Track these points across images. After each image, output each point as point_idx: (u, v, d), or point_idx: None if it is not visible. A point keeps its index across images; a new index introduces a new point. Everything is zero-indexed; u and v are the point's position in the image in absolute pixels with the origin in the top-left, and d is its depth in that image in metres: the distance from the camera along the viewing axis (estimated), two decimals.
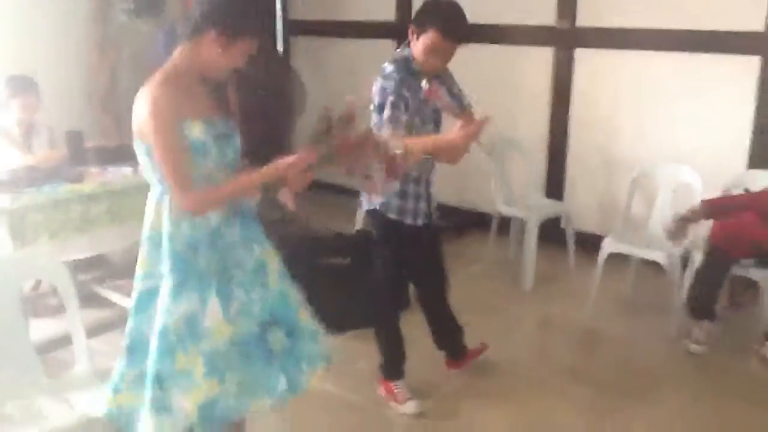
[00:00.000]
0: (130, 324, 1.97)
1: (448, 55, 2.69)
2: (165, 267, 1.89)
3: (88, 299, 3.64)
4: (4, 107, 3.49)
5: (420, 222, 2.89)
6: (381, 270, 2.99)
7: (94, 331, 3.16)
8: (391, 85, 2.62)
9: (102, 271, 3.99)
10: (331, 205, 5.11)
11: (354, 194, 3.25)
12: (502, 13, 4.82)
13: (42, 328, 3.25)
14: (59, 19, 4.29)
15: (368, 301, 3.57)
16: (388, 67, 2.68)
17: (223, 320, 1.92)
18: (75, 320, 2.20)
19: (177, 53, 1.90)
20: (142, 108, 1.81)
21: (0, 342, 2.11)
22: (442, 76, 2.82)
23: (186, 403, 1.87)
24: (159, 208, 1.92)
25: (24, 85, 3.49)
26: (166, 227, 1.89)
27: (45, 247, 2.91)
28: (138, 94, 1.84)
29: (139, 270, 1.96)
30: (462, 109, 2.86)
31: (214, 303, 1.91)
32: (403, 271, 3.06)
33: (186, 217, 1.88)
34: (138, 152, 1.90)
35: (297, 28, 6.05)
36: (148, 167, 1.90)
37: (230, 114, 2.00)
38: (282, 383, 2.00)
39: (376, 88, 2.67)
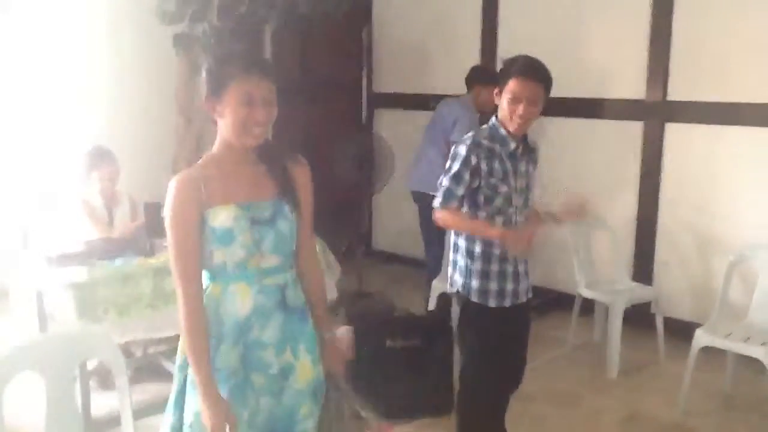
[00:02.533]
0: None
1: (533, 105, 2.46)
2: (178, 360, 1.82)
3: (157, 372, 3.65)
4: (85, 179, 3.60)
5: (507, 303, 2.59)
6: (465, 357, 2.72)
7: (156, 406, 3.14)
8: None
9: (172, 344, 3.99)
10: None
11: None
12: (589, 87, 4.69)
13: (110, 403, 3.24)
14: (145, 86, 4.47)
15: (436, 387, 3.42)
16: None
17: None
18: (125, 403, 2.16)
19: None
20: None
21: (51, 421, 2.09)
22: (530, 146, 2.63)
23: None
24: None
25: (103, 157, 3.60)
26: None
27: (113, 324, 2.89)
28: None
29: (178, 359, 1.88)
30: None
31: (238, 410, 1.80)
32: (497, 358, 2.65)
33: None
34: None
35: (380, 100, 6.11)
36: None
37: (289, 195, 1.87)
38: None
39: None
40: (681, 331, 3.94)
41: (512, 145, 2.52)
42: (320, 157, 5.26)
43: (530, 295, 2.67)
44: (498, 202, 2.51)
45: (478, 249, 2.53)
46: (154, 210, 3.74)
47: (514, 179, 2.53)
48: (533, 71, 2.45)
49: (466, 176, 2.47)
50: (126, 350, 3.78)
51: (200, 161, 1.82)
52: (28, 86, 4.31)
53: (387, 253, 6.05)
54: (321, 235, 3.75)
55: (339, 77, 5.90)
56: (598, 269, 4.32)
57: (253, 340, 1.83)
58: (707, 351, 3.47)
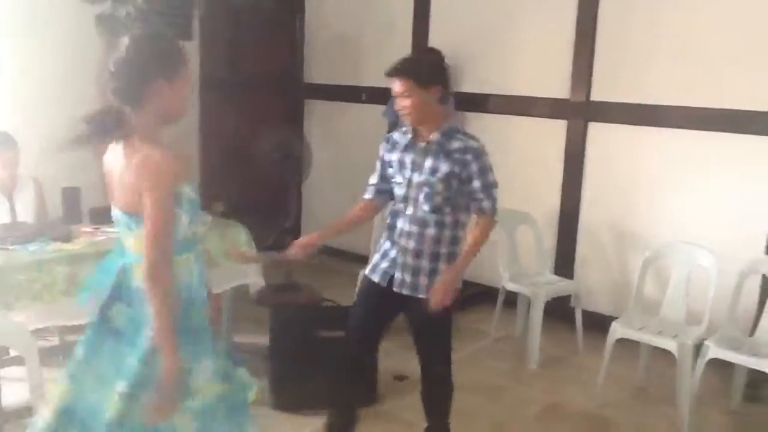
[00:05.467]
0: None
1: (405, 99, 2.61)
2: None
3: None
4: None
5: (377, 279, 2.73)
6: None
7: None
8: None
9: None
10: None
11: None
12: (517, 84, 4.78)
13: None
14: (63, 68, 4.27)
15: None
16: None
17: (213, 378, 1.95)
18: (37, 390, 2.07)
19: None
20: (145, 177, 1.81)
21: None
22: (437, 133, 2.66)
23: None
24: None
25: (0, 141, 3.44)
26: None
27: (27, 310, 2.77)
28: (137, 161, 1.83)
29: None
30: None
31: (206, 361, 1.93)
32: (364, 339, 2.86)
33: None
34: (122, 222, 1.92)
35: (312, 92, 6.07)
36: (139, 237, 1.86)
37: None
38: None
39: None
40: (599, 324, 4.07)
41: (408, 138, 2.68)
42: (249, 149, 5.23)
43: (403, 290, 2.69)
44: (396, 191, 2.71)
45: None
46: (72, 195, 3.61)
47: (411, 172, 2.64)
48: (394, 69, 2.65)
49: (377, 165, 2.78)
50: (41, 338, 3.65)
51: (155, 142, 1.89)
52: None
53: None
54: (249, 228, 3.72)
55: (270, 67, 5.82)
56: (522, 263, 4.42)
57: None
58: (623, 344, 3.60)
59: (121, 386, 1.82)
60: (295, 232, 6.03)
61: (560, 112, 4.62)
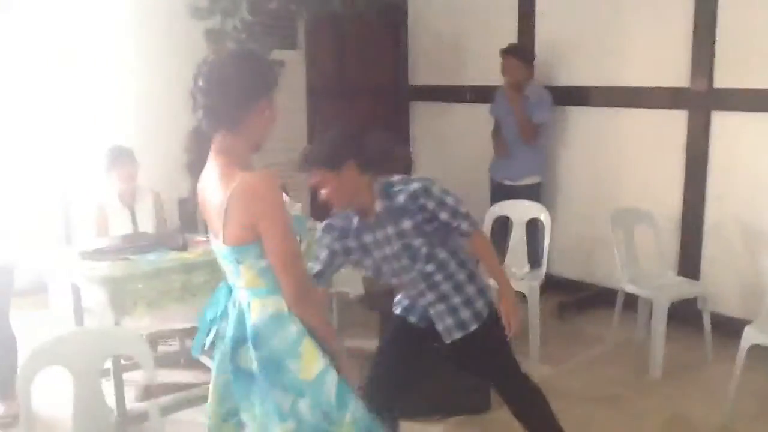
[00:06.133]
0: None
1: (327, 187, 2.35)
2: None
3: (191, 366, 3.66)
4: (105, 179, 3.63)
5: (414, 319, 2.61)
6: None
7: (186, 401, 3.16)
8: None
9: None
10: None
11: None
12: (631, 75, 4.54)
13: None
14: (175, 82, 4.45)
15: (474, 385, 3.33)
16: None
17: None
18: (150, 395, 2.14)
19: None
20: (257, 205, 1.75)
21: (79, 415, 2.09)
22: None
23: None
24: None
25: (121, 156, 3.62)
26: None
27: (144, 316, 2.92)
28: (243, 189, 1.74)
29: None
30: None
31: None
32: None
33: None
34: (229, 257, 1.85)
35: (417, 94, 6.04)
36: (252, 269, 1.83)
37: None
38: None
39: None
40: (730, 329, 3.77)
41: (353, 221, 2.46)
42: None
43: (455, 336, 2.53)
44: (372, 274, 2.56)
45: None
46: (188, 206, 3.76)
47: (379, 250, 2.48)
48: (302, 164, 2.35)
49: (323, 255, 2.49)
50: (163, 342, 3.83)
51: (251, 162, 1.86)
52: (57, 84, 4.35)
53: None
54: None
55: (374, 72, 5.83)
56: (642, 264, 4.18)
57: None
58: (758, 350, 3.31)
59: (288, 427, 1.81)
60: None
61: (679, 101, 4.33)
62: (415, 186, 2.41)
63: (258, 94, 1.80)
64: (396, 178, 2.46)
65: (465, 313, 2.52)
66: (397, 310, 2.66)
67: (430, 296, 2.52)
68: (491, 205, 4.50)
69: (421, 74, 5.98)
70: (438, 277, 2.50)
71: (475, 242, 2.57)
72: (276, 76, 1.86)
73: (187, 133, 1.84)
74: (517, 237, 4.16)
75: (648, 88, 4.46)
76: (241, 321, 1.87)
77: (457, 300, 2.51)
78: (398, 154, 4.73)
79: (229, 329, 1.90)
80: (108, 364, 2.84)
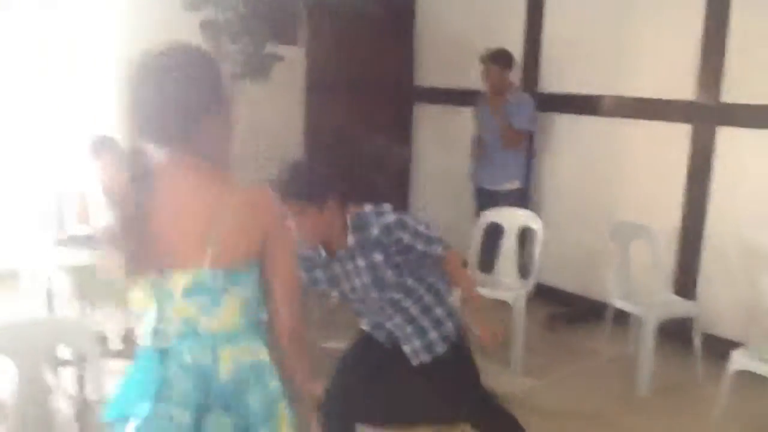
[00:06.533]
0: None
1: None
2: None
3: None
4: (89, 168, 3.59)
5: (382, 338, 2.54)
6: None
7: None
8: None
9: None
10: None
11: None
12: (634, 85, 4.42)
13: None
14: None
15: (445, 393, 3.25)
16: None
17: None
18: (97, 393, 2.10)
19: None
20: (268, 216, 1.55)
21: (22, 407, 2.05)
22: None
23: None
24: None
25: (104, 145, 3.57)
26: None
27: (115, 310, 2.87)
28: (246, 200, 1.52)
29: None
30: None
31: None
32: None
33: None
34: (229, 282, 1.52)
35: (422, 95, 5.95)
36: (237, 301, 1.55)
37: None
38: None
39: None
40: (723, 350, 3.63)
41: (322, 253, 2.38)
42: (353, 156, 5.19)
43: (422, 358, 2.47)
44: (342, 300, 2.52)
45: None
46: None
47: (347, 282, 2.41)
48: (284, 189, 2.16)
49: None
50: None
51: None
52: (47, 74, 4.34)
53: None
54: None
55: (378, 70, 5.73)
56: (638, 280, 4.05)
57: None
58: (749, 375, 3.19)
59: None
60: None
61: (684, 114, 4.20)
62: (389, 219, 2.34)
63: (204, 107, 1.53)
64: (368, 208, 2.38)
65: (433, 335, 2.46)
66: (364, 325, 2.59)
67: (397, 319, 2.46)
68: (476, 210, 4.45)
69: (427, 75, 5.89)
70: (406, 303, 2.45)
71: (449, 262, 2.50)
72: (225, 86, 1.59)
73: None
74: (509, 245, 4.07)
75: (653, 99, 4.34)
76: (202, 383, 1.52)
77: (425, 322, 2.46)
78: (396, 153, 4.72)
79: (182, 400, 1.51)
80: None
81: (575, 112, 4.69)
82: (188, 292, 1.50)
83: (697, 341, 3.81)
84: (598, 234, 4.22)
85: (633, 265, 4.06)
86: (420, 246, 2.38)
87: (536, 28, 4.97)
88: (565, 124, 4.82)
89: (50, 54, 4.31)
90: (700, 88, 4.11)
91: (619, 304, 3.90)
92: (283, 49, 4.39)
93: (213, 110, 1.53)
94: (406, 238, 2.34)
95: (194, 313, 1.52)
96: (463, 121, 5.56)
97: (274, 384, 1.59)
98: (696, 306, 3.97)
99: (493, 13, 5.28)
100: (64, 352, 2.82)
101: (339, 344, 3.73)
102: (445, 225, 5.55)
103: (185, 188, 1.53)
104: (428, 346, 2.45)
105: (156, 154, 1.55)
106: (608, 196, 4.63)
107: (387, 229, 2.31)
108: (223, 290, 1.52)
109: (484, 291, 3.92)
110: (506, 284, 3.94)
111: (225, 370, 1.52)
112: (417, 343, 2.45)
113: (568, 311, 4.62)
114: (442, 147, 5.76)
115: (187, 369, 1.52)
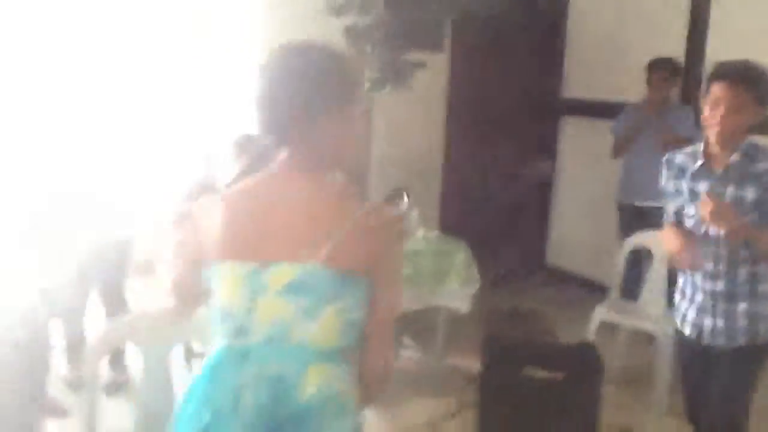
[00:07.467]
0: None
1: (735, 112, 2.14)
2: None
3: None
4: (231, 168, 3.63)
5: (688, 332, 2.34)
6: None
7: None
8: None
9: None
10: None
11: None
12: None
13: None
14: None
15: (581, 426, 3.03)
16: None
17: None
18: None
19: None
20: (389, 234, 1.43)
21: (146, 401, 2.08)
22: None
23: None
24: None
25: (250, 143, 3.61)
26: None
27: None
28: (367, 209, 1.42)
29: None
30: None
31: None
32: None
33: None
34: (342, 288, 1.38)
35: (570, 108, 5.66)
36: (342, 316, 1.39)
37: None
38: None
39: None
40: None
41: (698, 163, 2.22)
42: (494, 172, 5.02)
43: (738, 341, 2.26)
44: (692, 227, 2.25)
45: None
46: None
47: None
48: (736, 73, 2.10)
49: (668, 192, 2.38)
50: None
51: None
52: (194, 79, 4.47)
53: (562, 271, 5.58)
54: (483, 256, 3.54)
55: (524, 80, 5.47)
56: None
57: None
58: None
59: None
60: (539, 262, 5.68)
61: None
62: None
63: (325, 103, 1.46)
64: (765, 142, 2.26)
65: (741, 323, 2.25)
66: (687, 329, 2.39)
67: (718, 285, 2.25)
68: (620, 231, 4.14)
69: (576, 87, 5.58)
70: (740, 272, 2.23)
71: None
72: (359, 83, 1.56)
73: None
74: (657, 272, 3.71)
75: None
76: (282, 398, 1.35)
77: (762, 307, 2.25)
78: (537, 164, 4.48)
79: (255, 412, 1.35)
80: None
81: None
82: (290, 289, 1.35)
83: None
84: None
85: None
86: None
87: (700, 35, 4.57)
88: None
89: (194, 57, 4.46)
90: None
91: None
92: (425, 56, 4.31)
93: (333, 111, 1.45)
94: None
95: (290, 316, 1.36)
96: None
97: (356, 424, 1.43)
98: None
99: (652, 20, 4.91)
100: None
101: (460, 361, 3.61)
102: (586, 244, 5.26)
103: (301, 186, 1.47)
104: (754, 332, 2.28)
105: (277, 150, 1.53)
106: None
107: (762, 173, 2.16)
108: (328, 299, 1.36)
109: (625, 320, 3.64)
110: (653, 316, 3.60)
111: (310, 389, 1.35)
112: (719, 322, 2.30)
113: None
114: (590, 163, 5.43)
115: (268, 380, 1.36)
